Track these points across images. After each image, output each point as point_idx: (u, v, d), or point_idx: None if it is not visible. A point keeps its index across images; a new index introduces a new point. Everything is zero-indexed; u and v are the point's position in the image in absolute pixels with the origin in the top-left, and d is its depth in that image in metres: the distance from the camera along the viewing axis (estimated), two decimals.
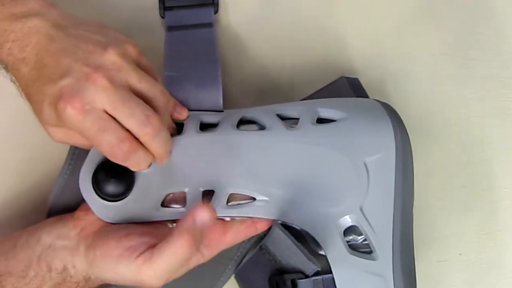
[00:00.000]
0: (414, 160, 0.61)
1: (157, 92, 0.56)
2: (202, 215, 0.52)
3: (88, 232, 0.58)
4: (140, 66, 0.56)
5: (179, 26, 0.68)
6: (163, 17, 0.69)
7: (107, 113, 0.53)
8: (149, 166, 0.59)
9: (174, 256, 0.52)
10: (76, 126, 0.53)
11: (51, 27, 0.55)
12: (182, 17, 0.68)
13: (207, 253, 0.59)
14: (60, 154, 0.64)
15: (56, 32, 0.55)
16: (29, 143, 0.68)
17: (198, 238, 0.52)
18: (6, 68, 0.57)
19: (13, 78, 0.58)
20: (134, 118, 0.53)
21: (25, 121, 0.67)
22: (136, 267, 0.53)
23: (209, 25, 0.68)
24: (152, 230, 0.58)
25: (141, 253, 0.54)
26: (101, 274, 0.56)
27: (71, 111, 0.52)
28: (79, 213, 0.59)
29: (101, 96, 0.52)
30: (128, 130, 0.54)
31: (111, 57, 0.54)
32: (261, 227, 0.60)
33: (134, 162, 0.55)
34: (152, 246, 0.54)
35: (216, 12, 0.70)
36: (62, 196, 0.62)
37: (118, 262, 0.54)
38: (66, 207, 0.62)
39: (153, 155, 0.56)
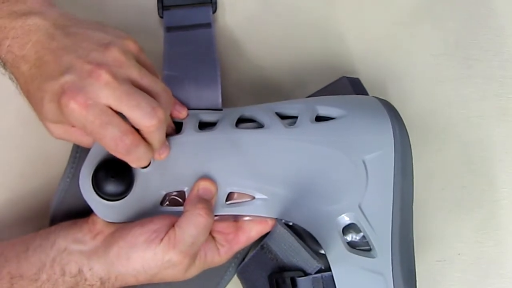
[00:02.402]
0: (414, 160, 0.61)
1: (160, 89, 0.56)
2: (202, 183, 0.59)
3: (105, 234, 0.58)
4: (140, 63, 0.56)
5: (178, 26, 0.68)
6: (161, 17, 0.69)
7: (111, 108, 0.53)
8: (149, 165, 0.59)
9: (195, 227, 0.55)
10: (79, 121, 0.53)
11: (51, 26, 0.56)
12: (180, 18, 0.69)
13: (224, 252, 0.60)
14: (61, 156, 0.64)
15: (56, 30, 0.55)
16: (30, 145, 0.68)
17: (209, 205, 0.57)
18: (5, 65, 0.57)
19: (12, 75, 0.58)
20: (140, 110, 0.53)
21: (26, 122, 0.67)
22: (163, 248, 0.55)
23: (208, 25, 0.68)
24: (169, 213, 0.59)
25: (166, 234, 0.55)
26: (125, 269, 0.56)
27: (74, 106, 0.52)
28: (94, 216, 0.59)
29: (105, 92, 0.52)
30: (131, 126, 0.54)
31: (112, 54, 0.54)
32: (273, 222, 0.60)
33: (135, 156, 0.55)
34: (172, 226, 0.56)
35: (214, 12, 0.70)
36: (65, 200, 0.62)
37: (146, 247, 0.55)
38: (69, 211, 0.62)
39: (153, 150, 0.57)
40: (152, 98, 0.55)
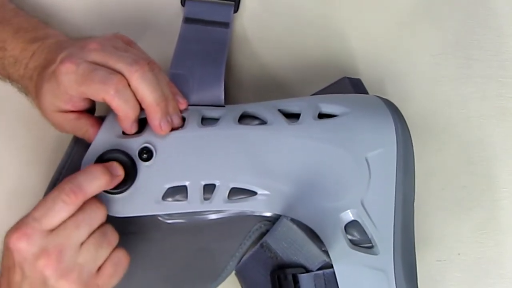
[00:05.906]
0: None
1: (148, 58, 0.59)
2: None
3: None
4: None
5: (196, 19, 0.68)
6: (183, 5, 0.70)
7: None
8: (151, 158, 0.59)
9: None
10: (71, 79, 0.57)
11: (60, 40, 0.63)
12: (201, 10, 0.69)
13: None
14: (61, 156, 0.64)
15: (63, 41, 0.63)
16: (30, 145, 0.68)
17: None
18: (21, 84, 0.63)
19: (24, 89, 0.63)
20: (123, 61, 0.57)
21: (26, 123, 0.68)
22: None
23: (226, 25, 0.69)
24: None
25: None
26: None
27: (67, 65, 0.57)
28: None
29: (92, 54, 0.58)
30: None
31: (104, 36, 0.60)
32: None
33: (123, 99, 0.57)
34: None
35: (235, 11, 0.71)
36: None
37: None
38: None
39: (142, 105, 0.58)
40: (134, 56, 0.58)
